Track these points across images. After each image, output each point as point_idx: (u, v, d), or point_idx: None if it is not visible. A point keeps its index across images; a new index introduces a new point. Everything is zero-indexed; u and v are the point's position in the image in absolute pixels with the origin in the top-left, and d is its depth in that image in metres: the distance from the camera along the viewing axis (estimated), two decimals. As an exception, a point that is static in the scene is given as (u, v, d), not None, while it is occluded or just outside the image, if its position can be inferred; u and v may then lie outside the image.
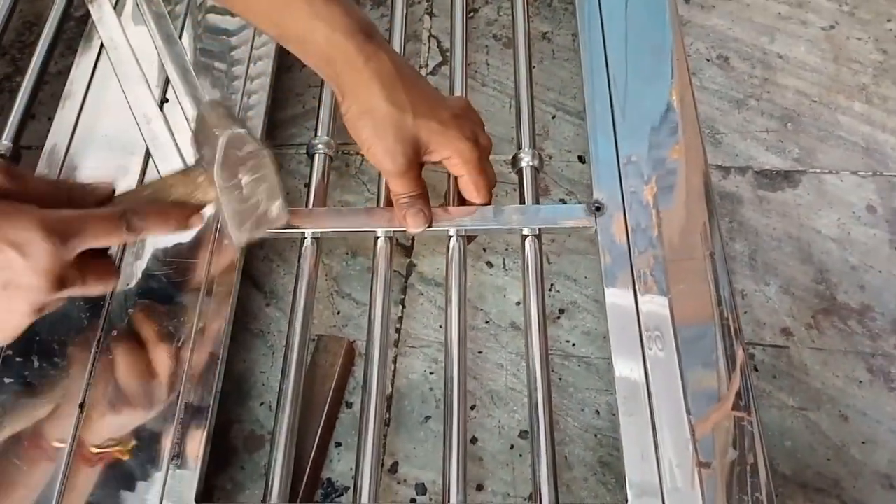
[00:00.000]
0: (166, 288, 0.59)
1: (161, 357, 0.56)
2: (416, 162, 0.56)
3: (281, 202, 0.53)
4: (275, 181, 0.52)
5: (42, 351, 0.56)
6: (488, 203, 0.61)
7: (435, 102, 0.55)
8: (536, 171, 0.66)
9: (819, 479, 0.58)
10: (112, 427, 0.53)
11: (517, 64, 0.72)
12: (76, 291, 0.45)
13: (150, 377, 0.55)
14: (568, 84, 0.79)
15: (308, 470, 0.57)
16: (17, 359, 0.56)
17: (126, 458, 0.52)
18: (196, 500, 0.51)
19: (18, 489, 0.50)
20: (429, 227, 0.60)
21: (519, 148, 0.67)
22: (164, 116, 0.67)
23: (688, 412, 0.53)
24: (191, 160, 0.64)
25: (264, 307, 0.66)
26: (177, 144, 0.65)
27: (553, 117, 0.77)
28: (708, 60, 0.81)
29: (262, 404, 0.61)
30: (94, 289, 0.47)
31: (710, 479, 0.51)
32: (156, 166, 0.64)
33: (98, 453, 0.52)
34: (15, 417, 0.54)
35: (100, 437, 0.53)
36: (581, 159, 0.74)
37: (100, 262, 0.48)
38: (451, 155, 0.56)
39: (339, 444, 0.60)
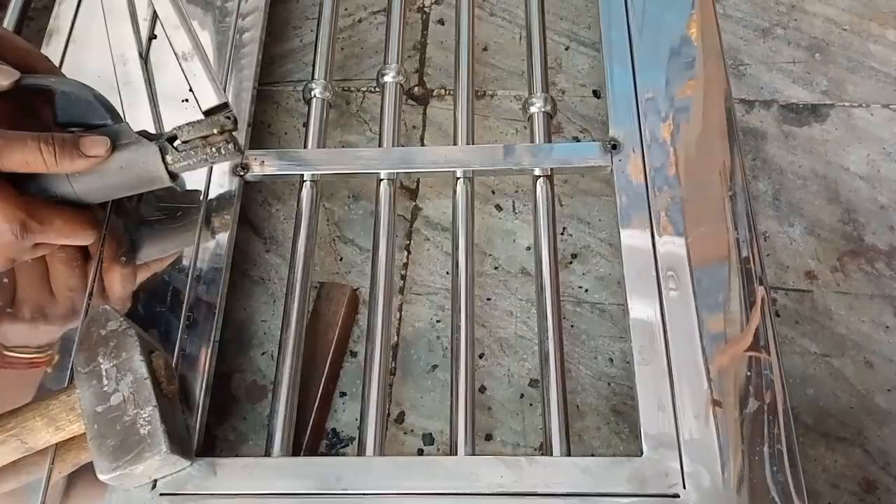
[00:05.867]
0: (161, 233, 0.57)
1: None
2: None
3: (164, 439, 0.44)
4: (142, 371, 0.46)
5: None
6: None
7: None
8: (549, 116, 0.62)
9: (842, 429, 0.56)
10: None
11: (528, -9, 0.68)
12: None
13: None
14: (582, 12, 0.74)
15: (312, 420, 0.55)
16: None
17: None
18: (197, 453, 0.49)
19: None
20: None
21: (530, 92, 0.63)
22: (143, 59, 0.63)
23: (705, 359, 0.51)
24: (163, 104, 0.61)
25: (264, 253, 0.64)
26: (151, 89, 0.62)
27: (566, 49, 0.72)
28: (732, -14, 0.76)
29: (263, 353, 0.60)
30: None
31: (727, 429, 0.49)
32: (122, 111, 0.60)
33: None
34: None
35: None
36: (596, 94, 0.70)
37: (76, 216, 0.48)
38: None
39: (343, 394, 0.58)
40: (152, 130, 0.59)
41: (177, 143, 0.49)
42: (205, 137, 0.49)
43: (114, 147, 0.48)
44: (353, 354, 0.60)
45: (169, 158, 0.49)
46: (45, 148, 0.45)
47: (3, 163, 0.44)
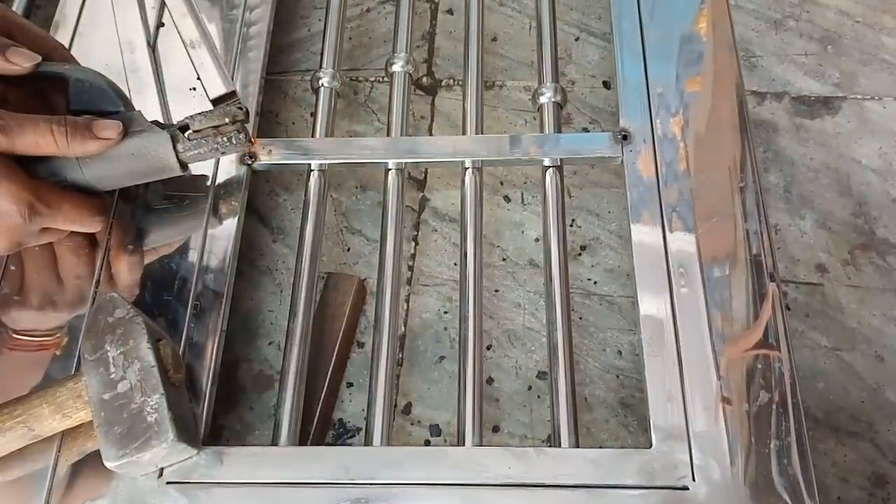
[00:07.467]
0: (169, 222, 0.57)
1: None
2: None
3: (171, 427, 0.44)
4: (149, 359, 0.45)
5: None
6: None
7: None
8: (559, 107, 0.62)
9: (852, 423, 0.56)
10: None
11: (538, -19, 0.67)
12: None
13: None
14: (593, 3, 0.74)
15: (319, 410, 0.55)
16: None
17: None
18: (203, 441, 0.49)
19: None
20: None
21: (540, 82, 0.63)
22: (151, 48, 0.63)
23: (714, 352, 0.50)
24: (171, 93, 0.61)
25: (271, 243, 0.63)
26: (159, 77, 0.61)
27: (577, 39, 0.72)
28: (744, -23, 0.75)
29: (270, 343, 0.59)
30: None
31: (737, 423, 0.48)
32: (129, 97, 0.60)
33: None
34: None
35: None
36: (606, 85, 0.69)
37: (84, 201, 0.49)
38: None
39: (350, 385, 0.58)
40: (160, 119, 0.59)
41: (188, 132, 0.49)
42: (216, 127, 0.49)
43: (126, 133, 0.47)
44: (361, 345, 0.60)
45: (180, 147, 0.49)
46: (57, 129, 0.45)
47: (15, 145, 0.44)
